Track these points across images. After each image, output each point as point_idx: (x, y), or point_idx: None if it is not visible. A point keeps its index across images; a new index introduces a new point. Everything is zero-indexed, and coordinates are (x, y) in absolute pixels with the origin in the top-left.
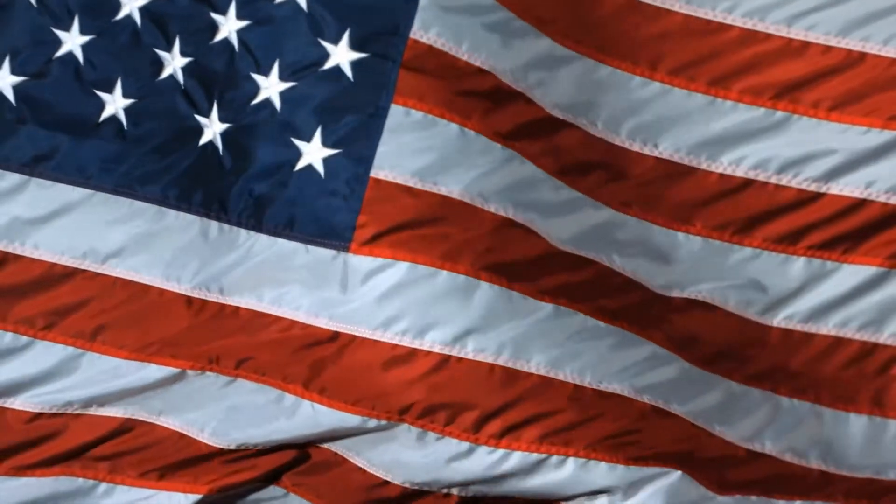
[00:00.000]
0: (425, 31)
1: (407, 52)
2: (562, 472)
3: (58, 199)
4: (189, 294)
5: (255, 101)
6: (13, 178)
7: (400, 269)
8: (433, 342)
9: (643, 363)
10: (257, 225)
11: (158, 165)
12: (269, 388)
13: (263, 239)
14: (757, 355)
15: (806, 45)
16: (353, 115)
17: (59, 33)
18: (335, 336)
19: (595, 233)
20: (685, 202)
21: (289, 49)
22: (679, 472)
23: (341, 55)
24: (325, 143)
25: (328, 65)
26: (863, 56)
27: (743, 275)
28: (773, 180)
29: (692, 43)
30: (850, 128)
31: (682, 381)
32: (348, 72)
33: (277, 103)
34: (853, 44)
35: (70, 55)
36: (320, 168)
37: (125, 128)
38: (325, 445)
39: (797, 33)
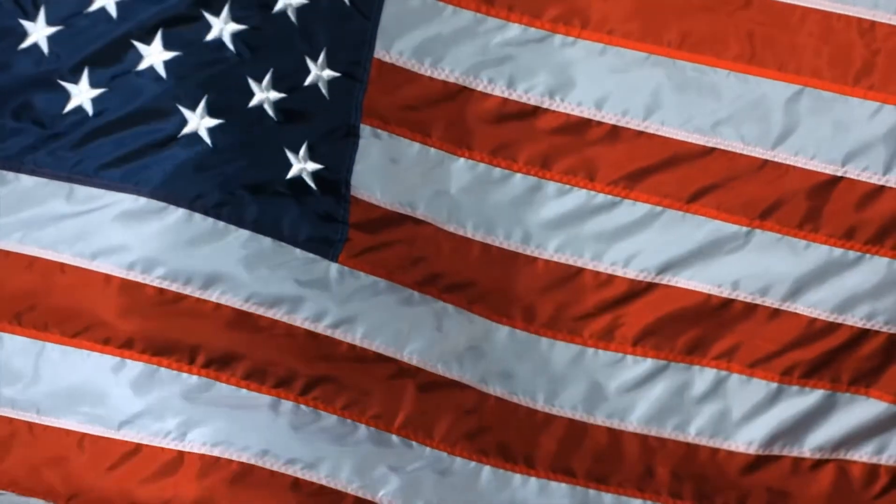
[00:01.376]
0: (387, 50)
1: (372, 71)
2: None
3: (24, 191)
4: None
5: (250, 105)
6: None
7: (378, 286)
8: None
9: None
10: (241, 221)
11: (127, 155)
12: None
13: (245, 234)
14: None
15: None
16: (331, 133)
17: (26, 24)
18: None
19: (586, 225)
20: (701, 185)
21: (279, 60)
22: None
23: (318, 72)
24: (312, 158)
25: (308, 81)
26: (872, 25)
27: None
28: (790, 161)
29: (720, 20)
30: (864, 102)
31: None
32: (324, 90)
33: (271, 111)
34: (863, 12)
35: (35, 46)
36: (310, 181)
37: (90, 116)
38: None
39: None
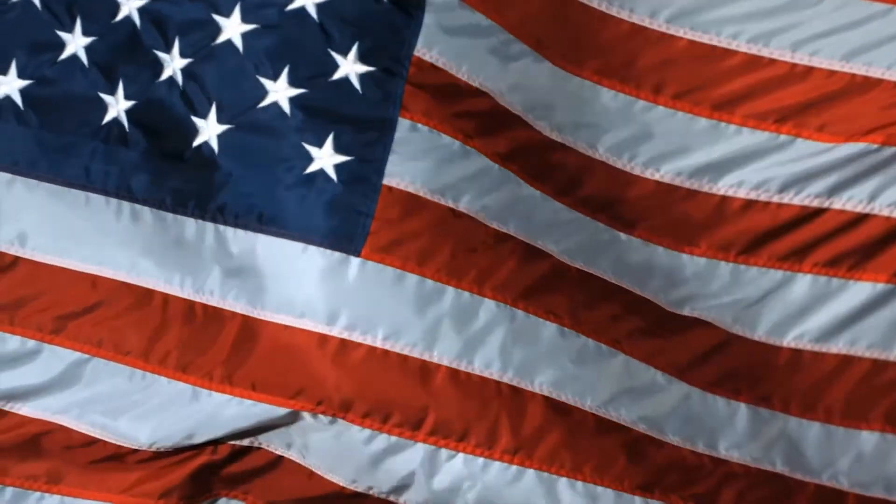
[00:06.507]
0: (428, 49)
1: (411, 68)
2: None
3: (61, 204)
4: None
5: (261, 105)
6: (23, 183)
7: (411, 282)
8: (441, 356)
9: (643, 391)
10: (258, 226)
11: (154, 168)
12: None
13: (263, 239)
14: (764, 376)
15: (809, 70)
16: (363, 125)
17: (63, 35)
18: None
19: (597, 253)
20: (688, 224)
21: (298, 56)
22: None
23: (350, 66)
24: (337, 150)
25: (337, 75)
26: (866, 80)
27: (750, 295)
28: (776, 199)
29: (696, 68)
30: (855, 146)
31: (681, 408)
32: (356, 83)
33: (287, 108)
34: (856, 68)
35: (74, 57)
36: (332, 174)
37: (126, 130)
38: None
39: (801, 58)
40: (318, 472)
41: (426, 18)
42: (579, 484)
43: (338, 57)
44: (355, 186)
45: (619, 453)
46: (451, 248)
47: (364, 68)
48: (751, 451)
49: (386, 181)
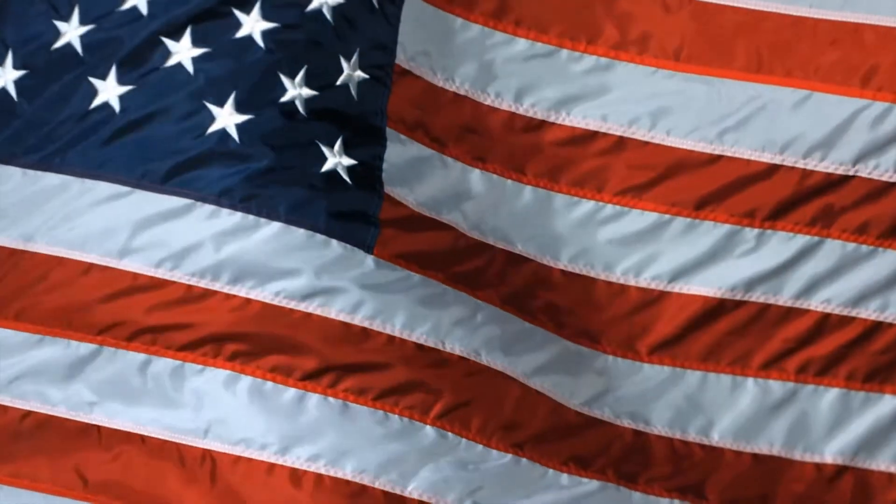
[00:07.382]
0: (406, 55)
1: (394, 76)
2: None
3: (43, 190)
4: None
5: (282, 100)
6: (10, 171)
7: (416, 280)
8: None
9: (628, 387)
10: (271, 214)
11: (149, 151)
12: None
13: (276, 227)
14: (778, 342)
15: (833, 24)
16: (362, 133)
17: (59, 24)
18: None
19: (587, 239)
20: (709, 191)
21: (314, 58)
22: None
23: (350, 72)
24: (346, 153)
25: (341, 80)
26: (889, 31)
27: (774, 261)
28: (800, 165)
29: (718, 32)
30: (881, 105)
31: (671, 395)
32: (353, 90)
33: (301, 108)
34: (884, 20)
35: (68, 45)
36: (345, 175)
37: (117, 113)
38: None
39: (819, 13)
40: None
41: (402, 26)
42: (564, 476)
43: (343, 62)
44: (363, 191)
45: (604, 446)
46: (443, 255)
47: (361, 75)
48: (747, 433)
49: (387, 189)
